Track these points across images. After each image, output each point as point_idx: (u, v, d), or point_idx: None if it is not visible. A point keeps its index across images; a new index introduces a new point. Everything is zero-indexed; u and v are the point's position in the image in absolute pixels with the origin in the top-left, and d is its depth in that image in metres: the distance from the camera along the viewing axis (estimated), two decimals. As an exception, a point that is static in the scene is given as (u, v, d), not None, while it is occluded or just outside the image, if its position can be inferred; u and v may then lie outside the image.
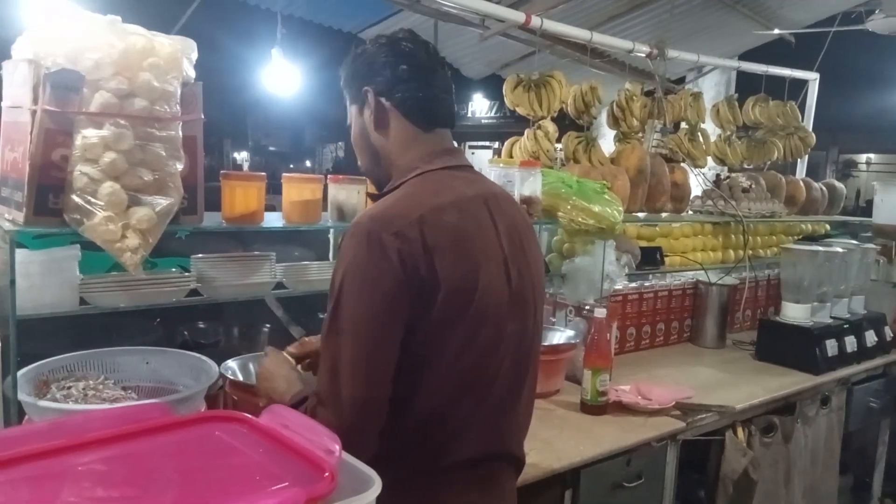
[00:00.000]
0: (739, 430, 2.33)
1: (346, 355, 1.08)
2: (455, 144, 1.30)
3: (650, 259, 2.89)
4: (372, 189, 1.57)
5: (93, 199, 1.36)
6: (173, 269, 1.77)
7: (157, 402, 1.13)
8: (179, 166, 1.47)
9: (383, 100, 1.22)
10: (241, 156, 19.49)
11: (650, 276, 3.09)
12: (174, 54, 1.46)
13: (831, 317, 2.95)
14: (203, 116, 1.59)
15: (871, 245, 3.29)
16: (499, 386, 1.21)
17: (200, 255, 1.79)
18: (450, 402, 1.16)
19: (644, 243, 2.97)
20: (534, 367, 1.32)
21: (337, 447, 0.84)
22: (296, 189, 1.79)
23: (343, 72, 1.28)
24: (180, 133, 1.47)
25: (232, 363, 1.85)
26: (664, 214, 3.11)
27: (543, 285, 1.35)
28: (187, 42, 1.52)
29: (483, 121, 17.77)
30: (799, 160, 4.19)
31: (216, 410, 1.30)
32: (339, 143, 20.01)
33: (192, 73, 1.52)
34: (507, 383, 1.22)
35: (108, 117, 1.37)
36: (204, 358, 1.69)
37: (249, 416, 0.92)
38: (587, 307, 2.42)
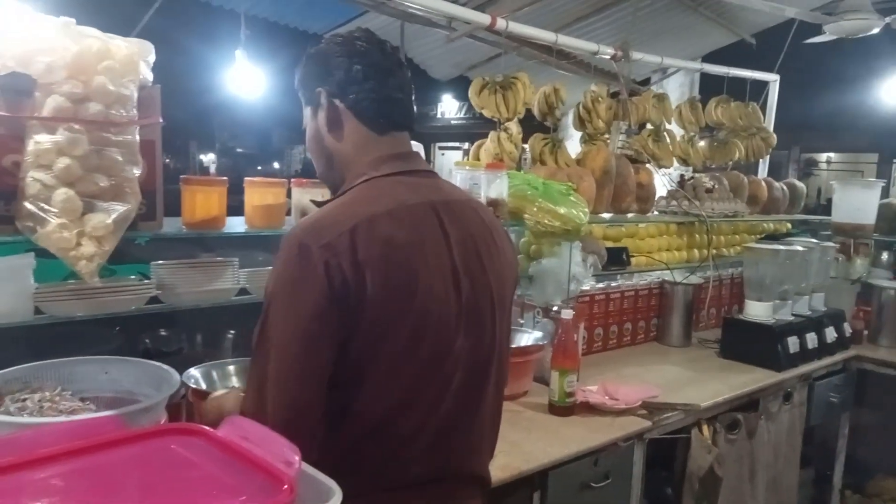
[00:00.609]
0: (705, 428, 2.37)
1: (272, 371, 1.05)
2: (413, 147, 1.25)
3: (616, 259, 2.92)
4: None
5: (46, 206, 1.33)
6: (132, 277, 1.73)
7: (110, 414, 1.10)
8: (137, 171, 1.44)
9: (337, 101, 1.18)
10: (208, 158, 19.23)
11: (617, 277, 3.12)
12: (130, 57, 1.43)
13: (793, 314, 3.01)
14: (162, 120, 1.56)
15: (830, 243, 3.37)
16: (449, 404, 1.16)
17: (161, 262, 1.76)
18: (389, 419, 1.12)
19: (610, 244, 2.99)
20: (496, 382, 1.26)
21: (297, 458, 0.83)
22: (258, 193, 1.77)
23: (297, 72, 1.24)
24: (137, 137, 1.44)
25: (194, 371, 1.82)
26: (630, 215, 3.14)
27: (509, 295, 1.29)
28: (144, 44, 1.49)
29: (452, 122, 17.78)
30: (761, 160, 4.27)
31: (172, 423, 1.27)
32: (308, 144, 19.81)
33: (149, 76, 1.50)
34: (459, 401, 1.17)
35: (62, 122, 1.33)
36: (165, 367, 1.65)
37: (207, 427, 0.90)
38: (554, 308, 2.43)
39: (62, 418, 1.43)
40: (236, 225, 1.82)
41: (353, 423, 1.11)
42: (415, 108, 1.25)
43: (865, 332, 3.37)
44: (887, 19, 3.45)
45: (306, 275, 1.03)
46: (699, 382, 2.57)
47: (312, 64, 1.21)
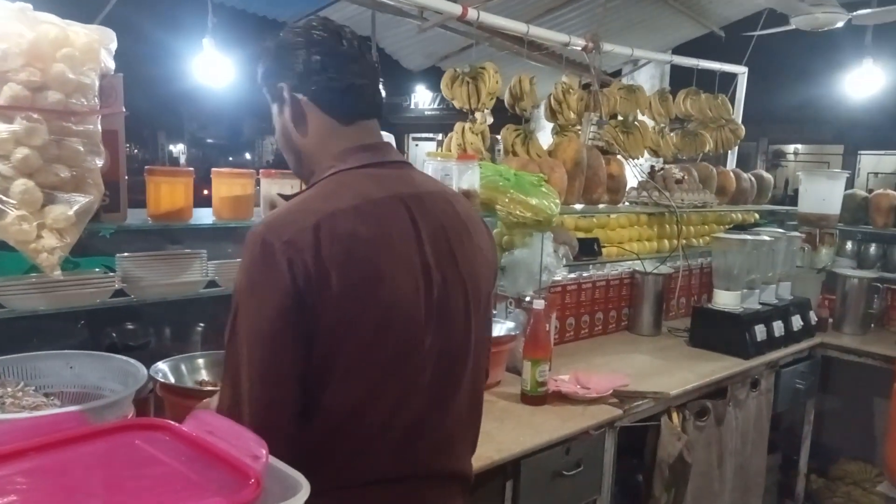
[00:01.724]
0: (674, 415, 2.40)
1: (244, 368, 1.05)
2: (382, 136, 1.23)
3: (587, 250, 2.94)
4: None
5: (4, 198, 1.29)
6: (96, 270, 1.69)
7: (72, 410, 1.08)
8: (99, 162, 1.40)
9: (299, 95, 1.16)
10: (178, 148, 18.94)
11: (588, 267, 3.14)
12: (90, 44, 1.39)
13: (760, 303, 3.06)
14: (125, 109, 1.52)
15: (796, 233, 3.44)
16: (418, 400, 1.14)
17: (126, 254, 1.72)
18: (356, 414, 1.10)
19: (581, 234, 3.01)
20: (472, 379, 1.24)
21: (263, 452, 0.82)
22: (226, 184, 1.74)
23: (258, 68, 1.21)
24: (99, 127, 1.40)
25: (162, 365, 1.79)
26: (601, 206, 3.16)
27: (486, 289, 1.26)
28: (105, 32, 1.45)
29: (426, 112, 17.73)
30: (729, 151, 4.32)
31: (136, 418, 1.25)
32: (280, 135, 19.59)
33: (111, 64, 1.46)
34: (429, 397, 1.16)
35: (19, 111, 1.29)
36: (131, 360, 1.62)
37: (171, 422, 0.88)
38: (527, 299, 2.44)
39: (25, 414, 1.39)
40: (204, 216, 1.78)
41: (321, 417, 1.10)
42: (383, 94, 1.22)
43: (830, 320, 3.45)
44: (851, 15, 3.51)
45: (270, 273, 1.03)
46: (669, 371, 2.61)
47: (271, 58, 1.18)
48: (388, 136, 2.42)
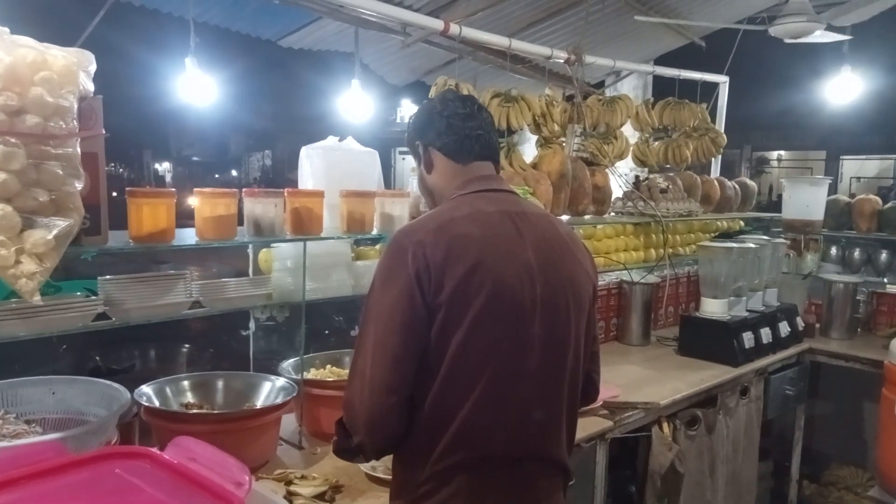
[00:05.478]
0: (665, 425, 2.40)
1: (369, 340, 1.28)
2: (495, 171, 1.48)
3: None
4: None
5: (-19, 224, 1.27)
6: (78, 293, 1.67)
7: (51, 438, 1.06)
8: (79, 185, 1.38)
9: (431, 148, 1.48)
10: (163, 167, 18.87)
11: (576, 278, 3.13)
12: (69, 67, 1.37)
13: (747, 310, 3.07)
14: (105, 131, 1.51)
15: (781, 240, 3.46)
16: (527, 384, 1.32)
17: (108, 277, 1.70)
18: (467, 391, 1.27)
19: (569, 246, 3.01)
20: (570, 374, 1.39)
21: (246, 478, 0.80)
22: (208, 204, 1.72)
23: (406, 136, 1.55)
24: (79, 150, 1.39)
25: (147, 388, 1.77)
26: (587, 217, 3.17)
27: (587, 299, 1.43)
28: (84, 54, 1.44)
29: (412, 127, 17.68)
30: (713, 159, 4.35)
31: (116, 447, 1.23)
32: (266, 151, 19.65)
33: (90, 87, 1.44)
34: (537, 383, 1.33)
35: (-4, 135, 1.28)
36: (115, 385, 1.60)
37: (152, 450, 0.87)
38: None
39: (4, 443, 1.37)
40: (187, 237, 1.77)
41: (437, 393, 1.28)
42: (497, 140, 1.51)
43: (817, 326, 3.47)
44: (826, 24, 3.55)
45: (398, 263, 1.28)
46: (658, 380, 2.60)
47: (412, 126, 1.53)
48: (372, 153, 2.43)
